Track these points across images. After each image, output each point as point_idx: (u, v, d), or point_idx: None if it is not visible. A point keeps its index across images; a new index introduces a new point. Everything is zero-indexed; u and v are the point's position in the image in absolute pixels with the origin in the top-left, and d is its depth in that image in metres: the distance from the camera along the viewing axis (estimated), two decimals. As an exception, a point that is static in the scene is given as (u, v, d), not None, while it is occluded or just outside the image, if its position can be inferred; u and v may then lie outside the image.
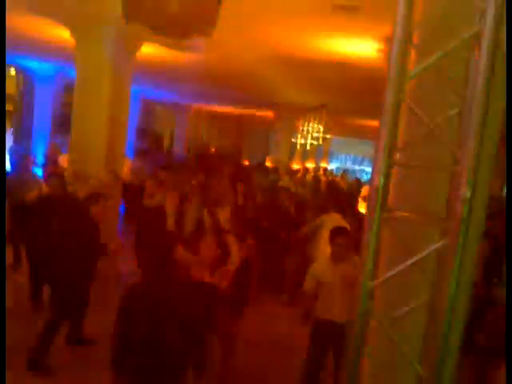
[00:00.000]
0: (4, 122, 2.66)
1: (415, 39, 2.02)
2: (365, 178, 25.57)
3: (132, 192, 8.95)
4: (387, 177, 1.91)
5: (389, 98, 1.89)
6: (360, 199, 6.46)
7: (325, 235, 6.75)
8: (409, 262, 1.92)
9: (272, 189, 8.75)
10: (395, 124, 1.93)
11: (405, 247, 1.99)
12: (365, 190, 6.26)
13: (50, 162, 10.19)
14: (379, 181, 1.87)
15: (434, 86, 2.04)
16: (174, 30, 2.06)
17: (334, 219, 6.64)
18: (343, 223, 6.87)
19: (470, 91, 1.73)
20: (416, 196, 2.16)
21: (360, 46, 6.56)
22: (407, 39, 1.90)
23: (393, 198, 1.94)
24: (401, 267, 1.93)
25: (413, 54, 2.05)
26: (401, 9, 1.82)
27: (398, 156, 1.97)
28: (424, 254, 1.88)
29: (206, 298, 3.03)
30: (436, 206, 2.06)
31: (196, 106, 20.30)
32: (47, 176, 7.99)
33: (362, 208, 6.23)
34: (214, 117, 23.53)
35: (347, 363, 1.94)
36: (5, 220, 2.53)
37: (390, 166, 1.93)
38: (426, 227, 2.09)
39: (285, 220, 7.38)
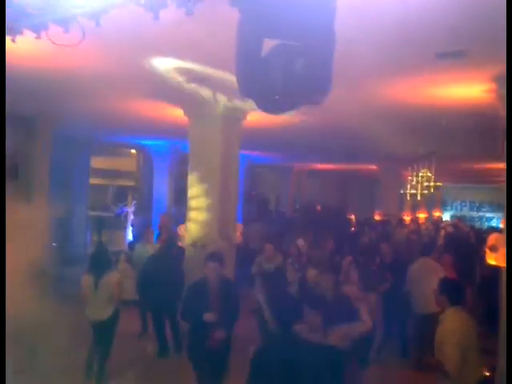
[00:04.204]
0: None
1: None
2: (486, 225, 23.65)
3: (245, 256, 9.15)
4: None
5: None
6: (487, 250, 5.94)
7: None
8: None
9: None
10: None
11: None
12: (492, 239, 5.76)
13: (163, 232, 10.87)
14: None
15: None
16: (283, 105, 2.16)
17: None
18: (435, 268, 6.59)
19: None
20: None
21: (467, 89, 6.33)
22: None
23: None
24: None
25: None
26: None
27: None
28: None
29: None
30: None
31: (300, 165, 20.70)
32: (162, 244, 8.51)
33: (492, 259, 5.71)
34: (319, 174, 23.72)
35: None
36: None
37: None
38: None
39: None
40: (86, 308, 5.91)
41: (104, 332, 5.91)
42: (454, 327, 3.91)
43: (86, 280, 5.88)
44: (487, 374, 5.75)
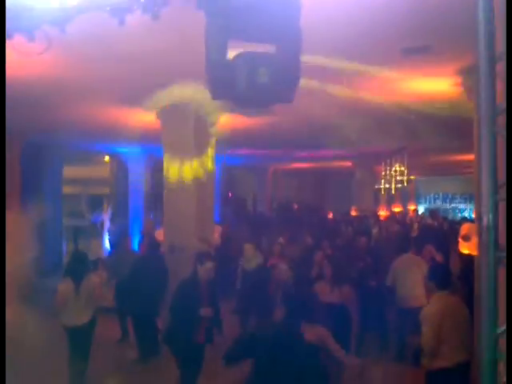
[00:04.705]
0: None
1: (500, 70, 1.98)
2: (459, 216, 24.18)
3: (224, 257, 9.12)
4: (495, 214, 1.83)
5: (483, 134, 1.83)
6: (460, 239, 6.10)
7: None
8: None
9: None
10: (494, 159, 1.86)
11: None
12: (465, 229, 5.92)
13: (147, 238, 10.80)
14: (488, 220, 1.78)
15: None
16: (255, 103, 2.18)
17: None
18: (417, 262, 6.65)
19: None
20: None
21: (435, 83, 6.47)
22: (492, 72, 1.87)
23: (506, 236, 1.83)
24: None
25: (499, 84, 2.00)
26: (482, 42, 1.80)
27: (502, 191, 1.88)
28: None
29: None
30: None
31: (275, 165, 20.79)
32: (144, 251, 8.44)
33: (465, 248, 5.86)
34: (294, 174, 23.87)
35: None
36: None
37: (496, 203, 1.85)
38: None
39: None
40: (63, 315, 5.74)
41: (82, 338, 5.78)
42: (435, 309, 4.03)
43: (65, 286, 5.73)
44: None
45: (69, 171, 14.86)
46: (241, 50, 2.09)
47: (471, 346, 4.04)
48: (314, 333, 3.44)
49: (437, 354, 3.96)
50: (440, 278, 4.29)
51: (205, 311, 4.92)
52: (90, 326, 5.83)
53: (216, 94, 2.07)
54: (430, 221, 15.89)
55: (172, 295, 5.31)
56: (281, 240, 9.09)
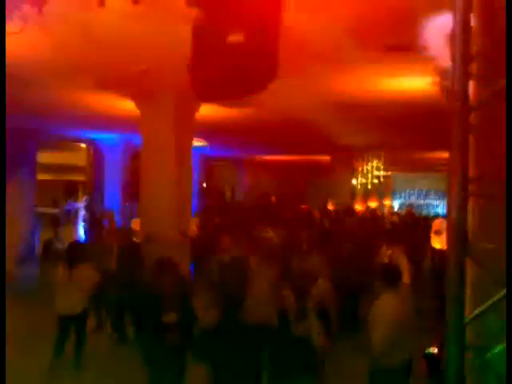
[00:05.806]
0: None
1: (474, 70, 2.02)
2: (432, 212, 24.64)
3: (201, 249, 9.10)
4: (464, 209, 1.88)
5: (455, 131, 1.88)
6: (432, 234, 6.24)
7: None
8: (500, 295, 1.83)
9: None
10: (465, 156, 1.91)
11: (493, 279, 1.91)
12: (436, 225, 6.06)
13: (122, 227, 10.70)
14: (456, 214, 1.83)
15: (500, 114, 2.01)
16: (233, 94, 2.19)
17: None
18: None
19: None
20: (498, 226, 2.08)
21: (414, 81, 6.56)
22: (466, 71, 1.91)
23: (474, 229, 1.89)
24: (490, 302, 1.85)
25: (474, 84, 2.04)
26: (458, 41, 1.84)
27: (472, 187, 1.94)
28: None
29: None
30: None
31: (254, 158, 20.80)
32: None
33: (436, 243, 6.00)
34: (272, 166, 23.91)
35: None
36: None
37: (465, 198, 1.90)
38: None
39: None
40: (56, 300, 5.81)
41: (74, 325, 5.88)
42: (384, 310, 4.08)
43: (60, 271, 5.86)
44: (432, 350, 6.01)
45: (43, 157, 14.56)
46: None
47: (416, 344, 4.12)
48: (302, 326, 3.48)
49: (384, 353, 4.01)
50: (390, 277, 4.33)
51: (167, 318, 4.60)
52: (83, 316, 5.90)
53: (202, 95, 2.07)
54: (404, 216, 16.17)
55: (134, 305, 5.17)
56: (258, 232, 9.13)
